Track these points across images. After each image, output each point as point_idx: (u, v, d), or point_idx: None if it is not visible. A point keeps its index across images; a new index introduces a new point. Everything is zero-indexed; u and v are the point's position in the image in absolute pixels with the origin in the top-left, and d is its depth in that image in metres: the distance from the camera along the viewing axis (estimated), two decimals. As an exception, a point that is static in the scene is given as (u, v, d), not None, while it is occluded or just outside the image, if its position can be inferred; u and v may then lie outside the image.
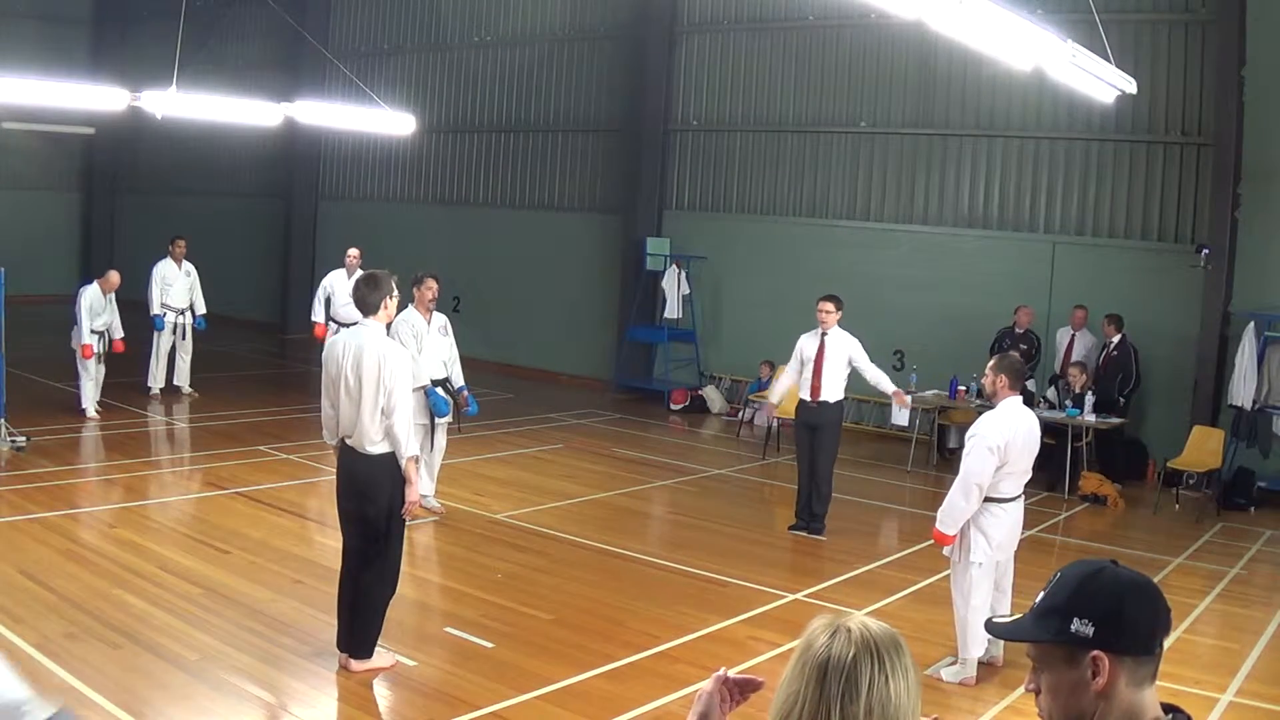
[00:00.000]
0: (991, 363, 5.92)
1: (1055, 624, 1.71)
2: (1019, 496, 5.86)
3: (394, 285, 5.43)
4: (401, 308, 6.76)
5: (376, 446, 5.27)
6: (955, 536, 5.79)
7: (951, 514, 5.72)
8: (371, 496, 5.29)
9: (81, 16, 21.45)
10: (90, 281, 11.41)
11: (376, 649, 5.44)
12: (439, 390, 8.23)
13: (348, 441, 5.35)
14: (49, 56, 18.47)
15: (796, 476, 8.73)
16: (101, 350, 11.20)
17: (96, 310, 11.18)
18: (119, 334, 11.45)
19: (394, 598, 5.70)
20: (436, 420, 8.27)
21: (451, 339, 8.45)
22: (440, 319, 8.34)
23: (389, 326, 6.02)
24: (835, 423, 8.55)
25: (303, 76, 17.53)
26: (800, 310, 13.45)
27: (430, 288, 8.12)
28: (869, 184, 13.35)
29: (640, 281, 14.63)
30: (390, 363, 5.24)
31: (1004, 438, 5.61)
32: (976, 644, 5.71)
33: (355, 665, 5.35)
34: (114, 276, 11.46)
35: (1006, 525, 5.80)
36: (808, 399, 8.49)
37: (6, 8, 19.43)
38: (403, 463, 5.29)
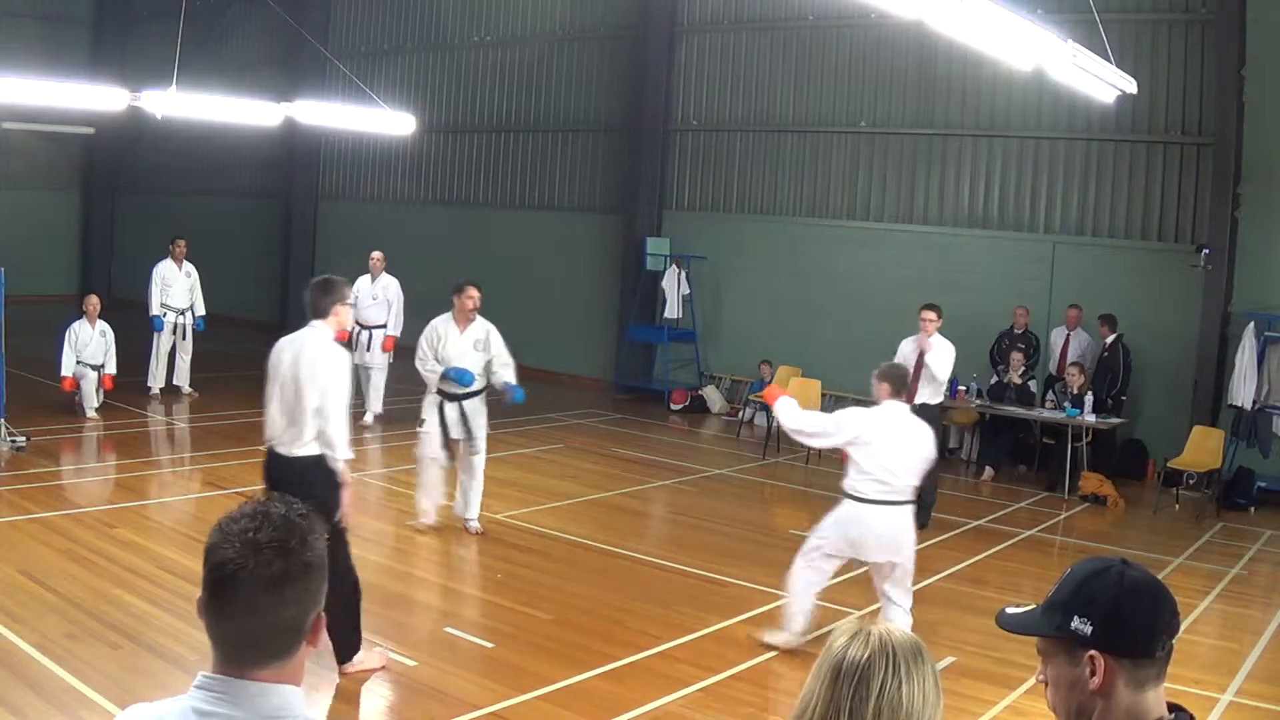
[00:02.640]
0: (876, 371, 6.16)
1: (1057, 619, 1.73)
2: (884, 504, 5.79)
3: (348, 292, 5.34)
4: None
5: (306, 448, 5.17)
6: (775, 403, 6.08)
7: (788, 409, 6.00)
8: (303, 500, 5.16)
9: (81, 16, 21.45)
10: (80, 316, 11.46)
11: (363, 650, 5.36)
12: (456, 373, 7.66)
13: (276, 447, 5.24)
14: (49, 56, 18.45)
15: None
16: (98, 387, 11.26)
17: (83, 344, 11.21)
18: (110, 369, 11.41)
19: (394, 598, 5.71)
20: (471, 438, 7.82)
21: (496, 351, 7.79)
22: (482, 329, 7.77)
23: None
24: (935, 420, 8.66)
25: (303, 76, 17.51)
26: (800, 310, 13.54)
27: (471, 296, 7.70)
28: (869, 184, 13.35)
29: (640, 281, 14.63)
30: (326, 364, 5.17)
31: (856, 425, 5.84)
32: (792, 617, 6.00)
33: (343, 668, 5.29)
34: (92, 300, 11.54)
35: (861, 527, 5.83)
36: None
37: (6, 8, 19.43)
38: (337, 467, 5.20)
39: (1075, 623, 1.70)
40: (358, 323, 11.95)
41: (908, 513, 5.93)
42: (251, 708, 1.55)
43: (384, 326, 12.04)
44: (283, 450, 5.21)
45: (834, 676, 1.70)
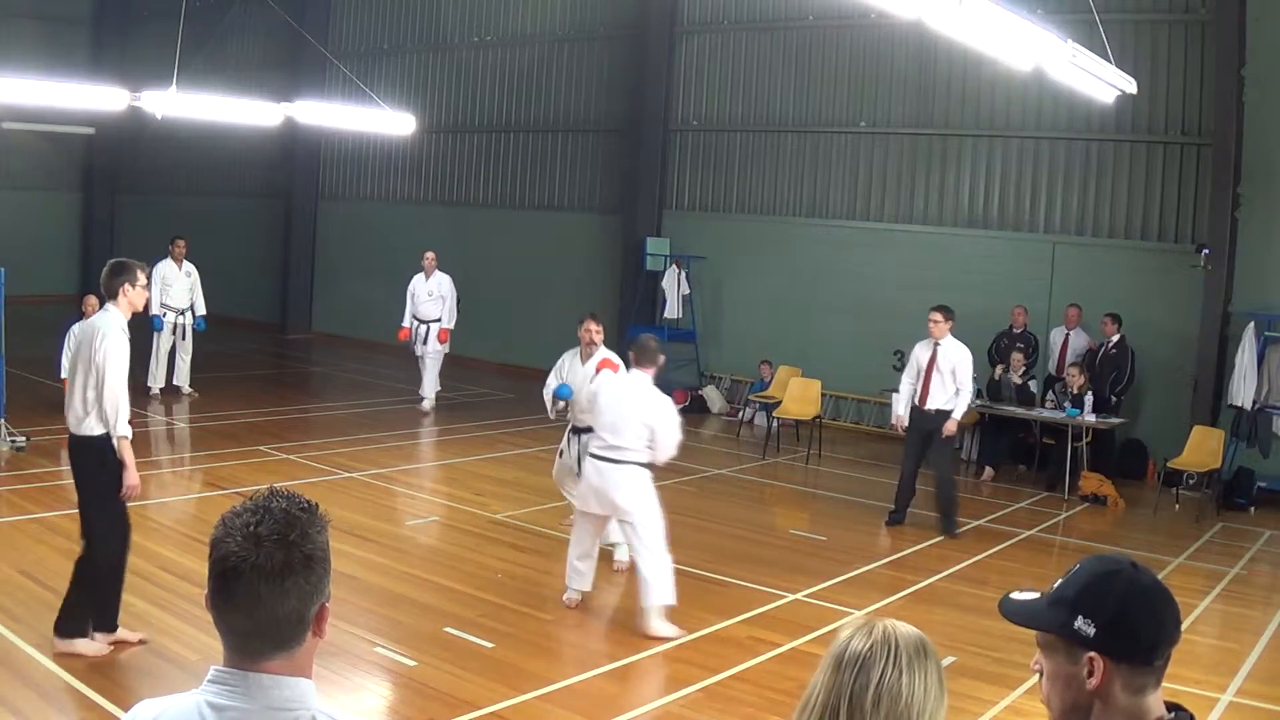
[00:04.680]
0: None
1: (1061, 616, 1.72)
2: (603, 460, 6.35)
3: (139, 275, 5.37)
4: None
5: (83, 425, 5.25)
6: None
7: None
8: (76, 475, 5.35)
9: (81, 16, 21.45)
10: (80, 318, 11.43)
11: (87, 639, 5.28)
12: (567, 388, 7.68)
13: (69, 425, 5.36)
14: (49, 56, 18.46)
15: (899, 475, 9.06)
16: None
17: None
18: None
19: (394, 598, 5.66)
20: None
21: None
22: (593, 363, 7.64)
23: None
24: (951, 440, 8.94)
25: (303, 76, 17.53)
26: (800, 310, 13.54)
27: (588, 329, 7.70)
28: (869, 184, 13.35)
29: (640, 281, 14.63)
30: (105, 344, 5.22)
31: (598, 386, 6.64)
32: (571, 573, 6.58)
33: (57, 643, 5.22)
34: (90, 300, 11.50)
35: (584, 479, 6.53)
36: (917, 404, 8.89)
37: (6, 8, 19.42)
38: (115, 443, 5.26)
39: (1079, 622, 1.69)
40: (416, 318, 12.88)
41: (627, 473, 6.31)
42: (264, 700, 1.58)
43: (439, 320, 12.95)
44: (71, 428, 5.32)
45: (836, 666, 1.73)
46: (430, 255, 13.07)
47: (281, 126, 14.31)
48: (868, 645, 1.72)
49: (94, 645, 5.30)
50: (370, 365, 16.12)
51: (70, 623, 5.26)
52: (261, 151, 19.05)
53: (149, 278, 5.57)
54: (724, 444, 12.47)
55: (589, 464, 6.49)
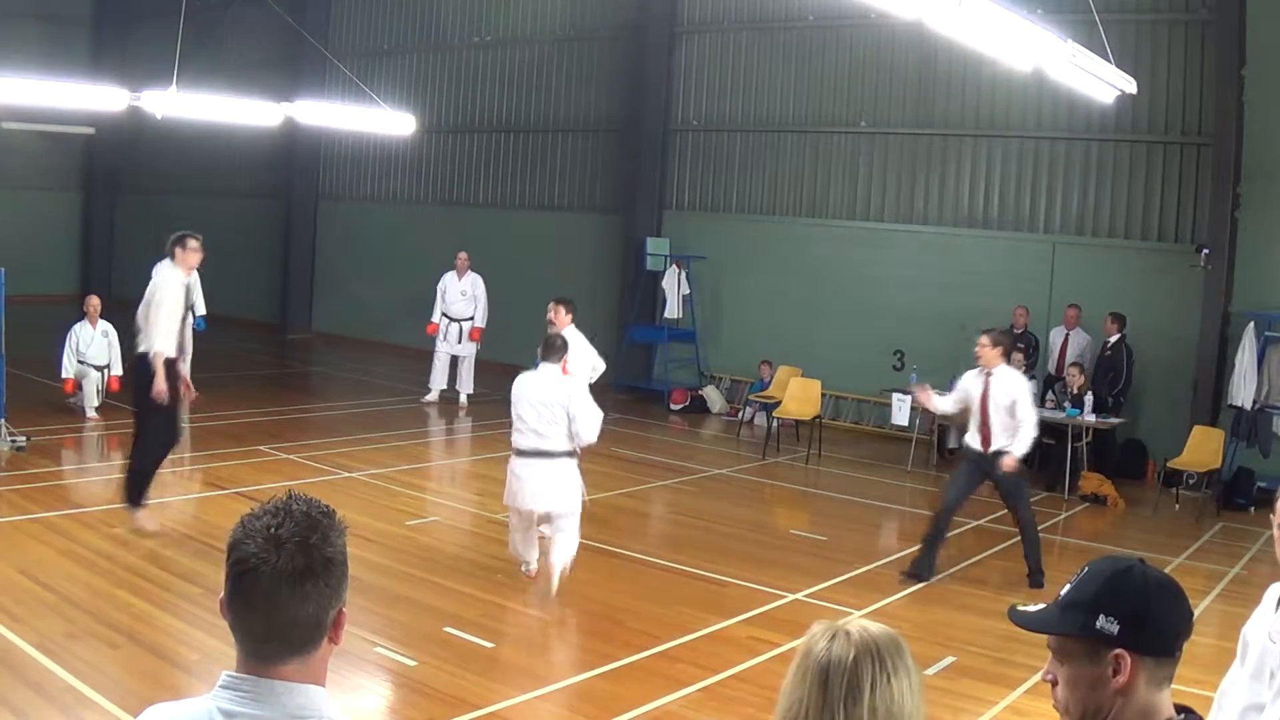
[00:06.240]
0: None
1: (1080, 618, 1.71)
2: (528, 455, 6.59)
3: (191, 241, 7.41)
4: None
5: (140, 345, 7.22)
6: None
7: None
8: (134, 388, 7.45)
9: (81, 16, 21.43)
10: (82, 318, 11.46)
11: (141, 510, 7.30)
12: None
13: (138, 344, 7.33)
14: (49, 56, 18.42)
15: (938, 508, 7.75)
16: (101, 388, 11.27)
17: (85, 344, 11.24)
18: (117, 370, 11.39)
19: (394, 598, 5.65)
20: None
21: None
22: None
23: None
24: (1018, 471, 7.60)
25: (303, 76, 17.51)
26: (800, 310, 13.54)
27: (550, 309, 8.77)
28: (869, 184, 13.35)
29: (640, 281, 14.63)
30: (157, 285, 7.24)
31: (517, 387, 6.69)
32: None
33: (129, 512, 7.26)
34: (92, 300, 11.55)
35: (513, 477, 6.68)
36: (978, 447, 7.53)
37: (6, 8, 19.40)
38: (151, 358, 7.10)
39: (1100, 622, 1.68)
40: (447, 315, 13.40)
41: (556, 466, 6.59)
42: (277, 706, 1.56)
43: (472, 319, 13.43)
44: (138, 350, 7.28)
45: (823, 679, 1.68)
46: (463, 255, 13.47)
47: (281, 126, 14.30)
48: (851, 655, 1.68)
49: (148, 518, 7.24)
50: (370, 365, 16.12)
51: (133, 492, 7.25)
52: (261, 151, 19.00)
53: (199, 245, 7.49)
54: (724, 444, 12.47)
55: (515, 461, 6.68)
